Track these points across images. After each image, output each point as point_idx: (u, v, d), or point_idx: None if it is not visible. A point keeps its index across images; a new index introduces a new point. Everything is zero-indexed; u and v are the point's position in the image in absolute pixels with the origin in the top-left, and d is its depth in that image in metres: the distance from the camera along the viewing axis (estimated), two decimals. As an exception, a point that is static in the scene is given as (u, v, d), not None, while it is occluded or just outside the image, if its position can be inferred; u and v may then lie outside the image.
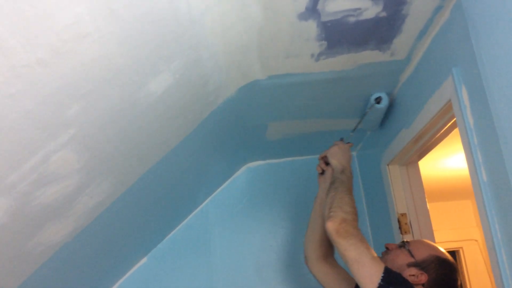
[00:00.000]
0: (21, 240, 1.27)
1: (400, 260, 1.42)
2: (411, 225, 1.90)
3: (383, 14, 1.28)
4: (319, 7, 1.22)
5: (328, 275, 1.66)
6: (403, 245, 1.46)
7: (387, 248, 1.50)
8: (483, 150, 1.19)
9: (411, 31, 1.39)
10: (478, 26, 1.15)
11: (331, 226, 1.40)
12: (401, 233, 1.89)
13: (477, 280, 3.97)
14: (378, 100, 1.78)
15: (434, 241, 1.90)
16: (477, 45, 1.16)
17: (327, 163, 1.76)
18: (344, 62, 1.51)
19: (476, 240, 4.06)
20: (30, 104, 0.92)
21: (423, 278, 1.37)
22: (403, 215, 1.91)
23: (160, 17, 1.01)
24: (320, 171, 1.80)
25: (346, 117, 1.99)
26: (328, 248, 1.69)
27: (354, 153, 2.45)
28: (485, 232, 1.18)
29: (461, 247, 4.13)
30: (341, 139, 1.80)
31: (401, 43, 1.44)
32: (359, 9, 1.25)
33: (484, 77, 1.14)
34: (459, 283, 1.43)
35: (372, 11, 1.26)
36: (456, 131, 1.38)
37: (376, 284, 1.27)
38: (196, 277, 2.25)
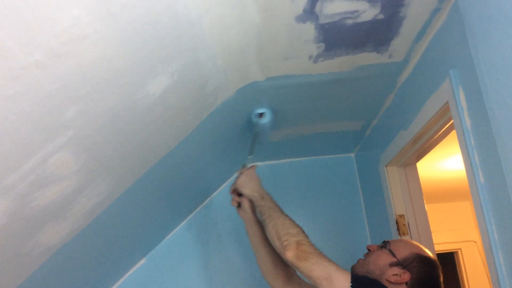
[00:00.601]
0: (19, 241, 1.27)
1: (382, 261, 1.42)
2: (409, 226, 1.90)
3: (381, 16, 1.29)
4: (316, 9, 1.22)
5: None
6: (384, 245, 1.47)
7: (369, 249, 1.51)
8: (480, 151, 1.20)
9: (408, 33, 1.39)
10: (475, 29, 1.15)
11: (289, 254, 1.40)
12: (399, 234, 1.90)
13: (475, 281, 3.97)
14: (260, 116, 1.81)
15: (432, 243, 1.91)
16: (474, 47, 1.16)
17: (240, 195, 1.76)
18: (342, 64, 1.52)
19: (474, 242, 4.06)
20: (28, 106, 0.93)
21: (406, 276, 1.38)
22: (401, 216, 1.92)
23: (158, 19, 1.02)
24: (236, 205, 1.79)
25: (344, 119, 2.00)
26: (286, 268, 1.66)
27: (352, 155, 2.45)
28: (482, 234, 1.19)
29: (460, 249, 4.13)
30: (243, 166, 1.80)
31: (399, 45, 1.45)
32: (357, 11, 1.25)
33: (481, 79, 1.14)
34: (441, 279, 1.44)
35: (369, 13, 1.27)
36: (454, 133, 1.38)
37: None
38: (195, 278, 2.25)
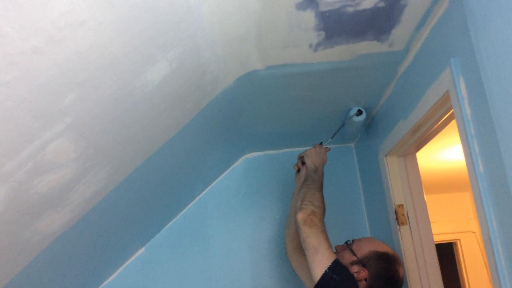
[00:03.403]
0: (18, 229, 1.27)
1: (345, 260, 1.55)
2: (408, 216, 1.90)
3: (382, 4, 1.27)
4: (317, -4, 1.21)
5: (303, 266, 1.76)
6: (347, 245, 1.61)
7: (336, 250, 1.64)
8: (480, 141, 1.19)
9: (409, 22, 1.38)
10: (476, 17, 1.14)
11: (300, 216, 1.54)
12: (398, 224, 1.90)
13: (474, 271, 3.99)
14: (358, 113, 1.95)
15: (431, 233, 1.91)
16: (475, 36, 1.15)
17: (303, 163, 1.88)
18: (343, 52, 1.51)
19: (473, 232, 4.08)
20: (26, 92, 0.92)
21: (364, 274, 1.51)
22: (400, 206, 1.92)
23: (156, 4, 1.01)
24: (297, 169, 1.94)
25: (344, 108, 1.99)
26: None
27: (351, 144, 2.45)
28: (481, 223, 1.18)
29: (459, 239, 4.14)
30: (320, 143, 1.94)
31: (400, 33, 1.44)
32: (358, -2, 1.24)
33: (482, 68, 1.14)
34: (401, 274, 1.56)
35: (370, 1, 1.25)
36: (454, 123, 1.38)
37: (323, 271, 1.42)
38: (194, 267, 2.25)
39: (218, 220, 2.33)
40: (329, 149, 1.94)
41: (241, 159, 2.42)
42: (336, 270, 1.42)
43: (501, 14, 1.04)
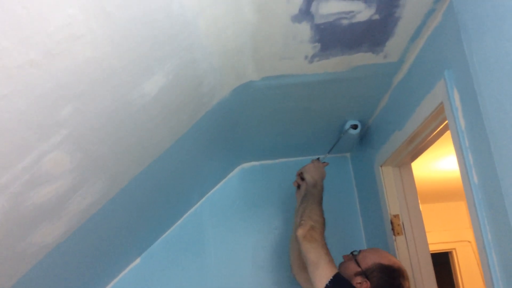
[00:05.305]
0: (13, 240, 1.27)
1: (349, 270, 1.56)
2: (403, 226, 1.91)
3: (376, 17, 1.29)
4: (312, 9, 1.22)
5: (308, 284, 1.73)
6: (353, 256, 1.62)
7: (344, 259, 1.65)
8: (474, 152, 1.20)
9: (404, 34, 1.40)
10: (469, 30, 1.16)
11: (300, 232, 1.57)
12: (394, 234, 1.90)
13: (470, 281, 3.99)
14: (353, 127, 1.98)
15: (427, 243, 1.92)
16: (469, 48, 1.17)
17: (303, 179, 1.89)
18: (338, 64, 1.52)
19: (469, 241, 4.08)
20: (23, 105, 0.92)
21: (366, 285, 1.51)
22: (396, 216, 1.92)
23: (153, 18, 1.02)
24: (296, 185, 1.95)
25: (340, 119, 2.00)
26: None
27: (347, 154, 2.46)
28: (476, 233, 1.19)
29: (454, 248, 4.15)
30: (318, 159, 1.96)
31: (394, 45, 1.45)
32: (352, 11, 1.25)
33: (475, 80, 1.15)
34: (405, 287, 1.54)
35: (365, 14, 1.27)
36: (448, 133, 1.39)
37: (323, 285, 1.43)
38: (190, 278, 2.25)
39: (214, 230, 2.32)
40: (327, 163, 1.96)
41: (237, 169, 2.42)
42: (336, 285, 1.43)
43: (493, 26, 1.05)
